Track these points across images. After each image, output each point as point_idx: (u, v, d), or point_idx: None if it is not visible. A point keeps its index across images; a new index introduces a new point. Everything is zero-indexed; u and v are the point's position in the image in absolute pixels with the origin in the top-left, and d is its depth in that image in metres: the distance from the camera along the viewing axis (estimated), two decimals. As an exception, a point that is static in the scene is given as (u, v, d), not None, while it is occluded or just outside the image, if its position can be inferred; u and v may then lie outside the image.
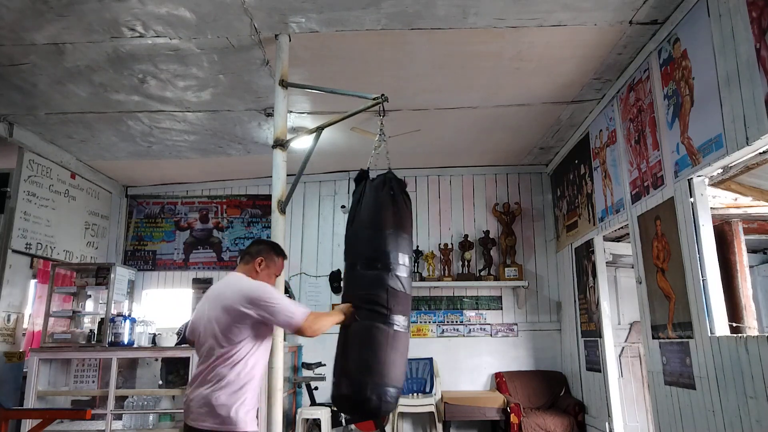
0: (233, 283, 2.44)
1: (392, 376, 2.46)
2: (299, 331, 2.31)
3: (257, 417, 2.44)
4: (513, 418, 5.12)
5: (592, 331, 5.02)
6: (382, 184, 2.66)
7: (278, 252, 2.65)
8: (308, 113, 4.81)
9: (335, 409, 5.26)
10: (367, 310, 2.50)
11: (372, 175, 2.83)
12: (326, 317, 2.44)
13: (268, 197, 6.11)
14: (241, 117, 4.86)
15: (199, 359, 2.41)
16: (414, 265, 6.18)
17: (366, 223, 2.61)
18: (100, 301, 5.38)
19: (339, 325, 2.57)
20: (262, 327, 2.36)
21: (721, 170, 3.14)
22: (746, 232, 4.34)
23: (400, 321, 2.52)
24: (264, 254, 2.57)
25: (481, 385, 6.03)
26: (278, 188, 3.24)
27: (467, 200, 6.49)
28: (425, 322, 6.19)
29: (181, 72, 4.03)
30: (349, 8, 3.29)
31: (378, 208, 2.60)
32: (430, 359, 5.97)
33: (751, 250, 5.80)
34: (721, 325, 3.06)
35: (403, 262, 2.56)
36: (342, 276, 2.71)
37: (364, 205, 2.65)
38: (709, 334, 3.05)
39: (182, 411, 2.44)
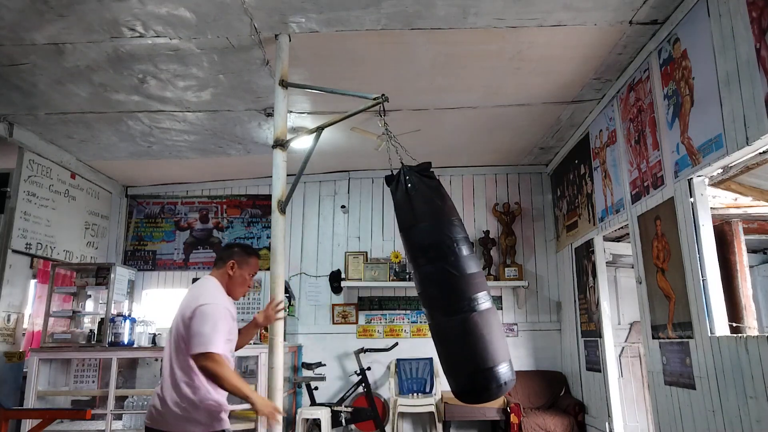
0: (195, 292, 2.48)
1: (500, 354, 2.50)
2: (203, 359, 2.25)
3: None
4: (513, 418, 5.12)
5: (592, 331, 5.02)
6: (420, 178, 2.72)
7: (250, 252, 2.66)
8: (308, 113, 4.82)
9: (340, 409, 5.28)
10: (449, 305, 2.52)
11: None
12: (239, 382, 2.29)
13: (268, 197, 6.12)
14: (241, 117, 4.86)
15: (164, 362, 2.46)
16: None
17: (423, 218, 2.64)
18: (100, 301, 5.38)
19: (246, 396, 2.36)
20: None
21: (721, 170, 3.14)
22: (746, 232, 4.34)
23: (482, 299, 2.53)
24: (235, 257, 2.58)
25: (481, 385, 6.02)
26: (278, 188, 3.24)
27: (467, 200, 6.49)
28: (425, 322, 6.18)
29: (181, 72, 4.02)
30: (349, 8, 3.29)
31: (428, 200, 2.65)
32: (430, 359, 5.97)
33: (751, 250, 5.80)
34: (721, 325, 3.06)
35: (464, 244, 2.59)
36: (413, 279, 2.76)
37: (416, 202, 2.67)
38: (709, 334, 3.05)
39: None
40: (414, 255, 2.68)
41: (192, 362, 2.31)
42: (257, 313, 2.86)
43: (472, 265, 2.58)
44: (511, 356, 2.61)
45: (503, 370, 2.50)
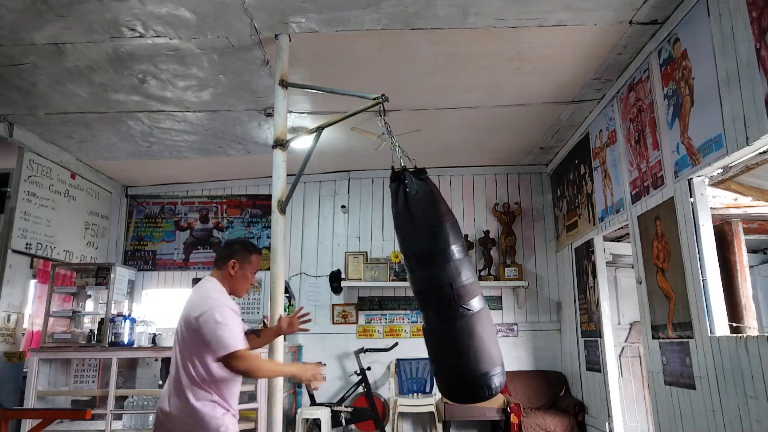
0: (197, 293, 2.44)
1: (488, 358, 2.49)
2: (231, 361, 2.25)
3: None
4: (513, 418, 5.12)
5: (592, 331, 5.02)
6: (420, 180, 2.71)
7: (251, 250, 2.62)
8: (308, 113, 4.82)
9: (340, 409, 5.28)
10: (437, 308, 2.52)
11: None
12: (276, 365, 2.34)
13: (268, 197, 6.12)
14: (241, 117, 4.86)
15: (171, 368, 2.43)
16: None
17: (405, 224, 2.64)
18: (100, 301, 5.38)
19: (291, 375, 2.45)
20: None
21: (721, 170, 3.14)
22: (746, 232, 4.34)
23: (474, 304, 2.52)
24: (236, 256, 2.54)
25: (481, 385, 6.02)
26: (278, 188, 3.24)
27: (467, 200, 6.49)
28: (425, 322, 6.18)
29: (181, 72, 4.02)
30: (349, 8, 3.29)
31: (430, 202, 2.64)
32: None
33: (751, 250, 5.81)
34: (721, 325, 3.06)
35: (456, 248, 2.56)
36: (408, 279, 2.75)
37: (415, 204, 2.66)
38: (709, 334, 3.05)
39: None
40: (408, 258, 2.66)
41: (200, 370, 2.29)
42: (282, 318, 2.83)
43: (467, 271, 2.56)
44: (503, 359, 2.60)
45: (495, 375, 2.49)
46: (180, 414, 2.29)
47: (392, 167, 2.82)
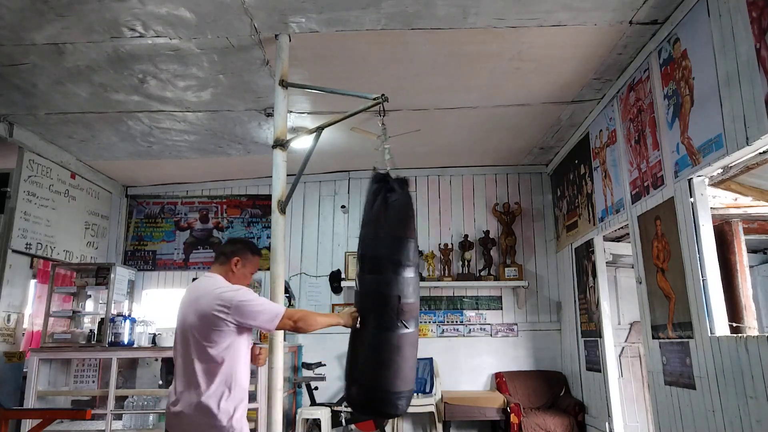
0: (208, 288, 2.42)
1: (405, 379, 2.49)
2: (287, 321, 2.34)
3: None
4: (513, 418, 5.12)
5: (592, 331, 5.02)
6: (382, 187, 2.67)
7: (254, 251, 2.66)
8: (308, 113, 4.82)
9: (340, 409, 5.27)
10: (376, 315, 2.49)
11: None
12: (321, 316, 2.48)
13: (268, 197, 6.09)
14: (241, 117, 4.86)
15: (177, 367, 2.42)
16: (414, 265, 6.17)
17: (372, 226, 2.61)
18: (100, 301, 5.38)
19: (346, 328, 2.56)
20: (238, 331, 2.35)
21: (721, 170, 3.14)
22: (746, 232, 4.34)
23: (411, 324, 2.52)
24: (240, 253, 2.57)
25: (481, 385, 6.03)
26: (278, 188, 3.24)
27: (467, 200, 6.49)
28: (425, 322, 6.19)
29: (181, 72, 4.03)
30: (349, 8, 3.29)
31: (402, 213, 2.61)
32: (430, 359, 5.97)
33: (751, 250, 5.81)
34: (721, 325, 3.06)
35: (408, 263, 2.54)
36: (355, 279, 2.70)
37: (390, 211, 2.63)
38: (709, 334, 3.05)
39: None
40: (364, 259, 2.62)
41: (211, 367, 2.29)
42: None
43: (414, 291, 2.55)
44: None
45: (404, 397, 2.50)
46: (192, 411, 2.28)
47: (374, 168, 2.80)
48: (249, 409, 3.80)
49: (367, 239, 2.62)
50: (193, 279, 6.39)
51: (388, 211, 2.59)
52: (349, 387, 2.60)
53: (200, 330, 2.32)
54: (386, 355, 2.46)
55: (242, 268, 2.56)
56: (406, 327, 2.49)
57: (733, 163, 3.00)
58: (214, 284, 2.43)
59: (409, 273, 2.53)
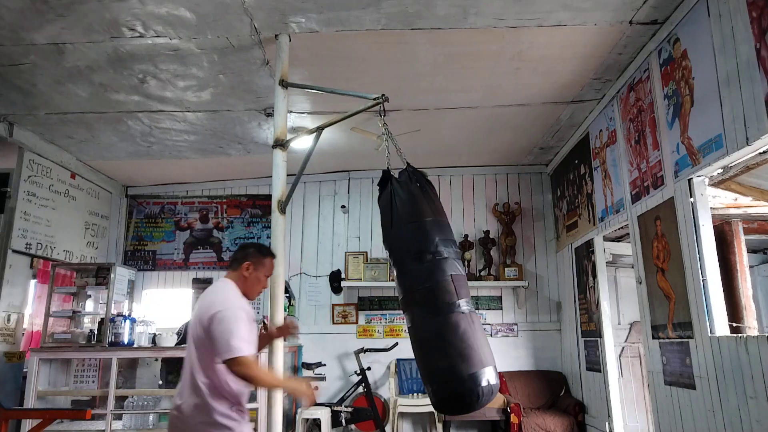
0: (211, 293, 2.49)
1: (485, 358, 2.41)
2: (233, 365, 2.26)
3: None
4: (513, 418, 5.12)
5: (592, 331, 5.02)
6: (409, 179, 2.69)
7: (265, 253, 2.66)
8: (308, 113, 4.82)
9: (340, 409, 5.27)
10: (433, 305, 2.46)
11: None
12: (269, 376, 2.37)
13: (268, 197, 6.11)
14: (241, 117, 4.86)
15: (183, 369, 2.45)
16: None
17: (407, 219, 2.60)
18: (100, 301, 5.37)
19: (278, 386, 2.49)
20: None
21: (721, 170, 3.14)
22: (746, 232, 4.34)
23: (466, 303, 2.49)
24: (251, 258, 2.58)
25: (481, 385, 6.02)
26: (278, 188, 3.24)
27: (467, 200, 6.49)
28: (425, 322, 6.18)
29: (181, 72, 4.02)
30: (349, 8, 3.29)
31: (414, 200, 2.61)
32: (430, 359, 5.96)
33: (751, 250, 5.81)
34: (721, 325, 3.06)
35: (451, 246, 2.55)
36: (395, 281, 2.66)
37: (400, 203, 2.63)
38: (709, 334, 3.05)
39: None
40: (401, 254, 2.60)
41: (213, 368, 2.31)
42: (281, 325, 2.90)
43: (458, 267, 2.54)
44: (495, 362, 2.47)
45: (487, 375, 2.36)
46: (194, 412, 2.31)
47: (387, 168, 2.80)
48: (249, 409, 3.79)
49: (397, 234, 2.62)
50: (193, 279, 6.43)
51: (420, 200, 2.61)
52: (431, 388, 2.49)
53: (203, 334, 2.37)
54: (447, 340, 2.38)
55: (254, 272, 2.57)
56: (466, 305, 2.45)
57: (733, 163, 3.00)
58: (216, 295, 2.47)
59: (451, 254, 2.52)
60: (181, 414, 2.35)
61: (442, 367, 2.39)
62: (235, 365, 2.26)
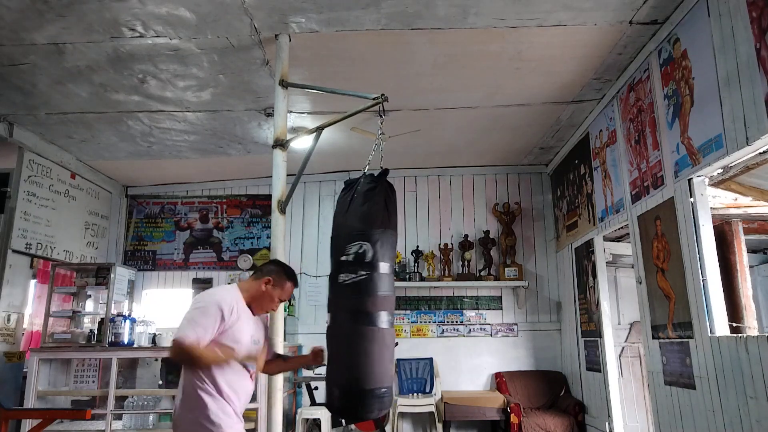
0: (206, 291, 2.53)
1: (383, 376, 2.43)
2: (172, 346, 2.24)
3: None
4: (513, 418, 5.12)
5: (592, 331, 5.02)
6: (379, 184, 2.65)
7: (290, 277, 2.62)
8: (308, 113, 4.82)
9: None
10: (348, 313, 2.47)
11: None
12: (207, 354, 2.28)
13: (268, 197, 6.11)
14: (241, 117, 4.86)
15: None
16: (414, 265, 6.18)
17: (346, 223, 2.58)
18: (100, 301, 5.37)
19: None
20: (218, 337, 2.33)
21: (721, 170, 3.14)
22: (746, 232, 4.34)
23: (383, 318, 2.47)
24: (274, 275, 2.56)
25: (481, 385, 6.03)
26: (278, 188, 3.24)
27: (467, 200, 6.49)
28: (425, 322, 6.19)
29: (181, 72, 4.03)
30: (349, 8, 3.29)
31: (378, 208, 2.57)
32: (430, 359, 5.97)
33: (751, 250, 5.80)
34: (721, 325, 3.06)
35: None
36: (330, 273, 2.65)
37: (351, 207, 2.60)
38: (709, 334, 3.05)
39: None
40: (338, 260, 2.59)
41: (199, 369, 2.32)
42: (314, 351, 2.84)
43: (386, 284, 2.51)
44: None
45: (385, 395, 2.43)
46: (182, 410, 2.32)
47: (364, 172, 2.78)
48: (249, 409, 3.80)
49: (339, 241, 2.61)
50: (193, 279, 6.42)
51: (348, 209, 2.59)
52: (332, 392, 2.52)
53: None
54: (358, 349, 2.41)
55: (272, 289, 2.54)
56: (383, 321, 2.45)
57: (733, 163, 3.00)
58: (211, 290, 2.51)
59: (380, 269, 2.49)
60: (175, 411, 2.36)
61: (342, 376, 2.45)
62: (170, 349, 2.25)
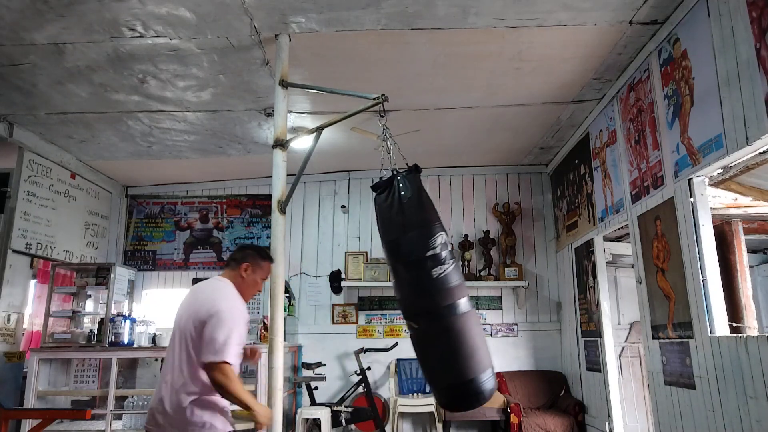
0: (212, 291, 2.44)
1: (485, 359, 2.46)
2: (210, 369, 2.22)
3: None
4: (513, 418, 5.12)
5: (592, 331, 5.02)
6: (412, 181, 2.68)
7: (264, 256, 2.64)
8: (308, 113, 4.82)
9: (340, 409, 5.26)
10: (447, 305, 2.45)
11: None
12: (242, 391, 2.27)
13: (268, 197, 6.12)
14: (241, 117, 4.86)
15: (166, 366, 2.39)
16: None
17: (412, 219, 2.58)
18: (100, 301, 5.38)
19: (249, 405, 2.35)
20: None
21: (721, 170, 3.15)
22: (746, 232, 4.34)
23: (464, 303, 2.48)
24: (250, 260, 2.56)
25: (481, 385, 6.02)
26: (278, 188, 3.24)
27: (467, 200, 6.49)
28: (425, 322, 6.18)
29: (181, 72, 4.03)
30: (349, 8, 3.29)
31: (421, 204, 2.61)
32: (430, 359, 5.97)
33: (751, 250, 5.81)
34: (721, 325, 3.06)
35: (443, 250, 2.52)
36: (392, 285, 2.65)
37: (407, 203, 2.61)
38: (709, 334, 3.05)
39: None
40: (396, 264, 2.58)
41: (197, 369, 2.28)
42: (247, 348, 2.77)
43: (455, 274, 2.52)
44: (492, 363, 2.53)
45: (486, 380, 2.43)
46: (173, 411, 2.27)
47: (392, 170, 2.78)
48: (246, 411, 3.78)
49: (402, 242, 2.58)
50: (194, 279, 6.42)
51: (407, 208, 2.59)
52: (436, 393, 2.55)
53: (194, 334, 2.32)
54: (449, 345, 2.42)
55: (252, 274, 2.56)
56: (460, 307, 2.45)
57: (733, 163, 3.00)
58: (219, 293, 2.42)
59: (444, 258, 2.50)
60: (163, 411, 2.29)
61: (442, 373, 2.46)
62: (216, 370, 2.21)
